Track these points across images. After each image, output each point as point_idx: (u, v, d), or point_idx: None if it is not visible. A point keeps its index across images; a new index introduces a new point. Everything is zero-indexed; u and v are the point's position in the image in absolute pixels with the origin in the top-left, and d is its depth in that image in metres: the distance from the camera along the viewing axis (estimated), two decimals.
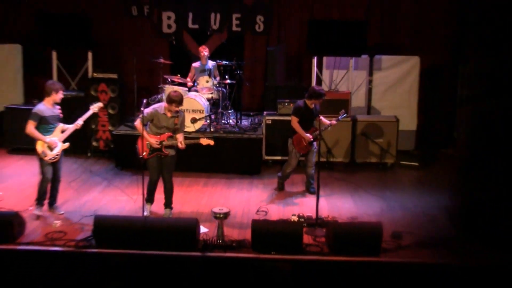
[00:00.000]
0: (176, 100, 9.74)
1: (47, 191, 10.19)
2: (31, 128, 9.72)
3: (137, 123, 9.85)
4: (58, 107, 10.11)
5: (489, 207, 9.50)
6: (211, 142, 10.02)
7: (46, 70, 14.86)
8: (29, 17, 15.44)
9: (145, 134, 9.87)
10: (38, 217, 9.96)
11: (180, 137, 9.95)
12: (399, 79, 14.32)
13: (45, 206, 10.26)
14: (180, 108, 9.91)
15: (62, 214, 10.21)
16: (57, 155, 9.96)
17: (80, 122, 10.11)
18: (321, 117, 11.03)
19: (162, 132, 9.94)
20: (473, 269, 8.65)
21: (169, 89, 12.97)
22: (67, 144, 10.09)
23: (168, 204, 10.31)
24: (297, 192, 11.48)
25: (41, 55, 15.14)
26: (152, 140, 9.90)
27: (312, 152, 11.16)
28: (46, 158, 9.88)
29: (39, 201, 10.12)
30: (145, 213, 9.91)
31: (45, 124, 9.82)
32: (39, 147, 9.84)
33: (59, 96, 9.88)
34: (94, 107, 10.45)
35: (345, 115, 11.35)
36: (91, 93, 13.55)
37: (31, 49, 15.32)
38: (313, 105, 11.10)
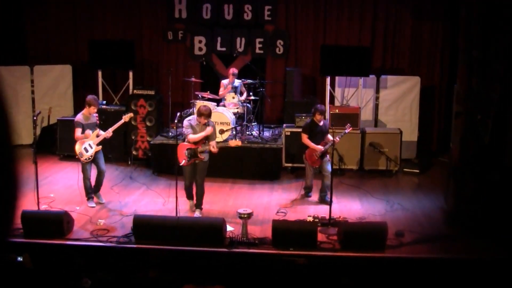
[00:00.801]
0: (204, 114, 9.85)
1: (91, 186, 10.72)
2: (78, 133, 10.38)
3: (188, 138, 10.07)
4: (96, 115, 10.72)
5: (478, 206, 9.56)
6: (239, 143, 10.15)
7: (92, 87, 14.95)
8: (78, 42, 15.62)
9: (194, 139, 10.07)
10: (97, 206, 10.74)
11: (212, 143, 10.00)
12: (402, 96, 14.22)
13: (95, 199, 10.84)
14: (208, 120, 10.02)
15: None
16: (91, 156, 10.40)
17: (110, 131, 10.56)
18: (328, 135, 10.89)
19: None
20: (466, 262, 8.67)
21: (199, 103, 12.98)
22: (99, 147, 10.55)
23: (198, 205, 10.33)
24: (312, 197, 11.38)
25: (88, 74, 15.26)
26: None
27: (326, 163, 10.86)
28: (82, 159, 10.40)
29: (88, 196, 10.74)
30: (190, 203, 10.47)
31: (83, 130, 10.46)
32: (77, 149, 10.38)
33: (92, 110, 10.45)
34: (126, 117, 10.88)
35: (350, 129, 11.13)
36: (131, 107, 13.56)
37: (79, 68, 15.45)
38: (321, 122, 10.94)
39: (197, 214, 10.24)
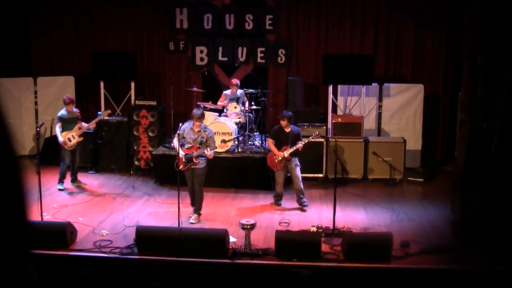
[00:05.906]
0: (193, 116, 10.24)
1: (67, 172, 12.32)
2: (56, 128, 12.10)
3: (174, 142, 10.49)
4: (77, 110, 12.42)
5: (485, 216, 9.41)
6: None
7: (94, 98, 14.94)
8: (81, 53, 15.60)
9: (180, 151, 10.15)
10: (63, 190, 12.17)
11: (209, 149, 10.16)
12: (405, 105, 14.14)
13: (68, 184, 12.40)
14: (201, 122, 10.31)
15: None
16: (73, 145, 12.07)
17: (92, 124, 12.33)
18: (299, 142, 10.95)
19: (192, 145, 10.21)
20: (473, 273, 8.51)
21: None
22: (81, 138, 12.21)
23: (196, 210, 10.46)
24: (315, 206, 11.29)
25: (90, 85, 15.26)
26: (183, 152, 10.22)
27: (294, 169, 11.04)
28: (66, 147, 12.02)
29: (60, 180, 12.27)
30: (190, 215, 10.50)
31: (66, 124, 12.08)
32: (61, 138, 11.98)
33: (69, 107, 12.13)
34: (105, 113, 12.76)
35: (316, 136, 11.24)
36: (134, 118, 13.53)
37: (82, 80, 15.41)
38: (288, 128, 11.05)
39: (192, 219, 10.32)
